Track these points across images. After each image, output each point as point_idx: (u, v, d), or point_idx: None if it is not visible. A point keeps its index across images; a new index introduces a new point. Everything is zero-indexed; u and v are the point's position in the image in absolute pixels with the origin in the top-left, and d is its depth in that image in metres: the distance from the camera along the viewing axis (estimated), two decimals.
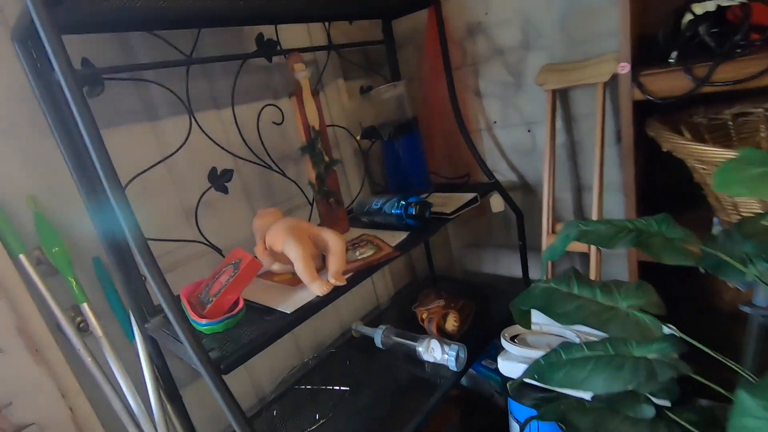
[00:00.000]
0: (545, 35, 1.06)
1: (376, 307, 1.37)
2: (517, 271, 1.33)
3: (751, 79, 0.66)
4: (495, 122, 1.21)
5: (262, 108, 0.93)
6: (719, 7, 0.72)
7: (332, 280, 0.71)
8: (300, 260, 0.70)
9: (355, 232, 1.00)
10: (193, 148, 0.89)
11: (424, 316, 1.12)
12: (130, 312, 0.76)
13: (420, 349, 1.01)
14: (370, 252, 0.83)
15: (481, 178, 1.23)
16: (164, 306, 0.55)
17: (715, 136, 0.86)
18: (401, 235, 0.90)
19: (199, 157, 0.90)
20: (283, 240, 0.73)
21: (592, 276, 1.07)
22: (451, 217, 0.95)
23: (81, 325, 0.78)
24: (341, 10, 1.02)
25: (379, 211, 0.95)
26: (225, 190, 0.86)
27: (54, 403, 0.74)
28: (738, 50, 0.68)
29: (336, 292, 0.71)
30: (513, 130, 1.20)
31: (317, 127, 0.91)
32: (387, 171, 1.19)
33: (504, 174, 1.25)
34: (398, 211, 0.91)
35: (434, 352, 0.99)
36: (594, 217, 1.03)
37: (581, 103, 1.07)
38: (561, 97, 1.09)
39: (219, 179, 0.85)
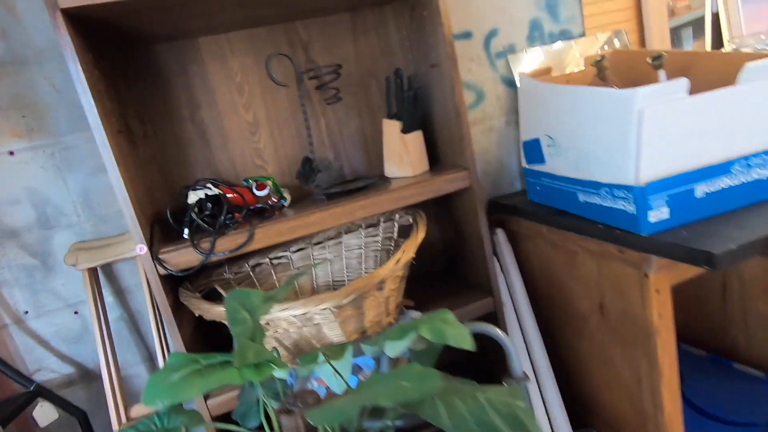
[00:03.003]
0: (68, 213, 0.98)
1: None
2: None
3: (241, 247, 0.84)
4: (27, 312, 0.99)
5: None
6: (207, 195, 0.89)
7: None
8: None
9: None
10: None
11: None
12: None
13: None
14: None
15: (17, 387, 0.95)
16: None
17: (244, 285, 1.03)
18: None
19: None
20: None
21: None
22: None
23: None
24: None
25: None
26: None
27: None
28: (228, 226, 0.86)
29: None
30: (55, 316, 1.01)
31: None
32: None
33: (56, 369, 1.02)
34: None
35: None
36: None
37: (128, 275, 1.04)
38: (104, 273, 1.02)
39: None
